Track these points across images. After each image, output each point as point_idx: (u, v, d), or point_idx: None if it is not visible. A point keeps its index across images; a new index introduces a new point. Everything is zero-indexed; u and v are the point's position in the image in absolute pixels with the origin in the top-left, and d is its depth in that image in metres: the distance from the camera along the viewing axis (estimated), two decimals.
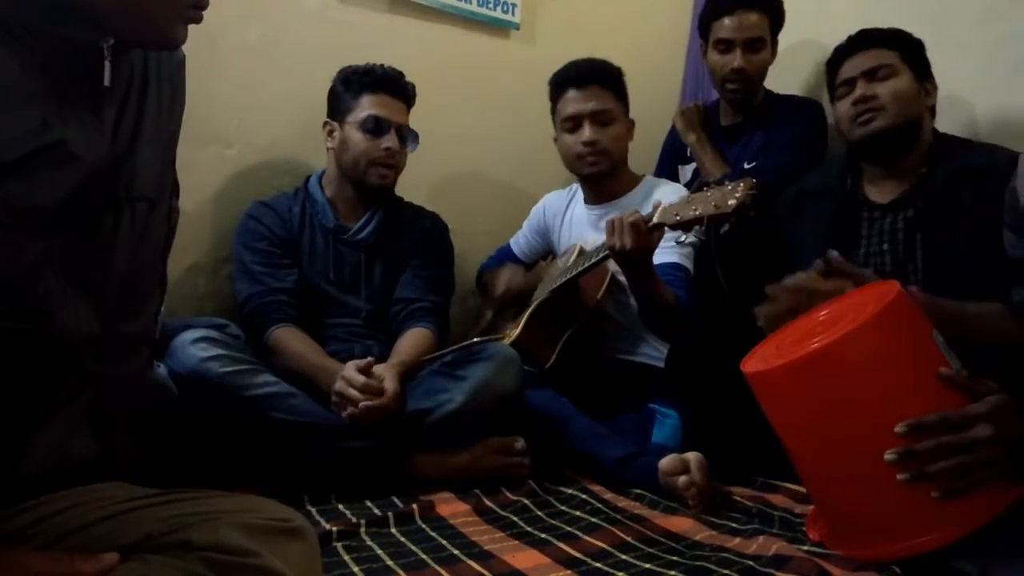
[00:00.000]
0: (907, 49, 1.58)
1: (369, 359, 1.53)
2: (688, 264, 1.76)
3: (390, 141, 1.70)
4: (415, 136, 1.77)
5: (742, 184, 1.34)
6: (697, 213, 1.38)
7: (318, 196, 1.77)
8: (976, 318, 1.11)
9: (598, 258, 1.62)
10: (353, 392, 1.46)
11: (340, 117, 1.74)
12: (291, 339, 1.60)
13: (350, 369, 1.49)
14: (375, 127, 1.69)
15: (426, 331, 1.72)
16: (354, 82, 1.72)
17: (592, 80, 1.82)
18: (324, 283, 1.73)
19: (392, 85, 1.73)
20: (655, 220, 1.46)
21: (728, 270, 1.83)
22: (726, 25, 1.98)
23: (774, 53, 2.05)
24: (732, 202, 1.33)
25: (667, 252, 1.71)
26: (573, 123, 1.82)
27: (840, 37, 1.65)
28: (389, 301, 1.78)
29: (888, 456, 0.97)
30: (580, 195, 2.00)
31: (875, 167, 1.62)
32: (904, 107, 1.54)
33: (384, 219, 1.80)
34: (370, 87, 1.71)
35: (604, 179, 1.87)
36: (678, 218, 1.42)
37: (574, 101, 1.82)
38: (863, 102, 1.55)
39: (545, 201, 2.12)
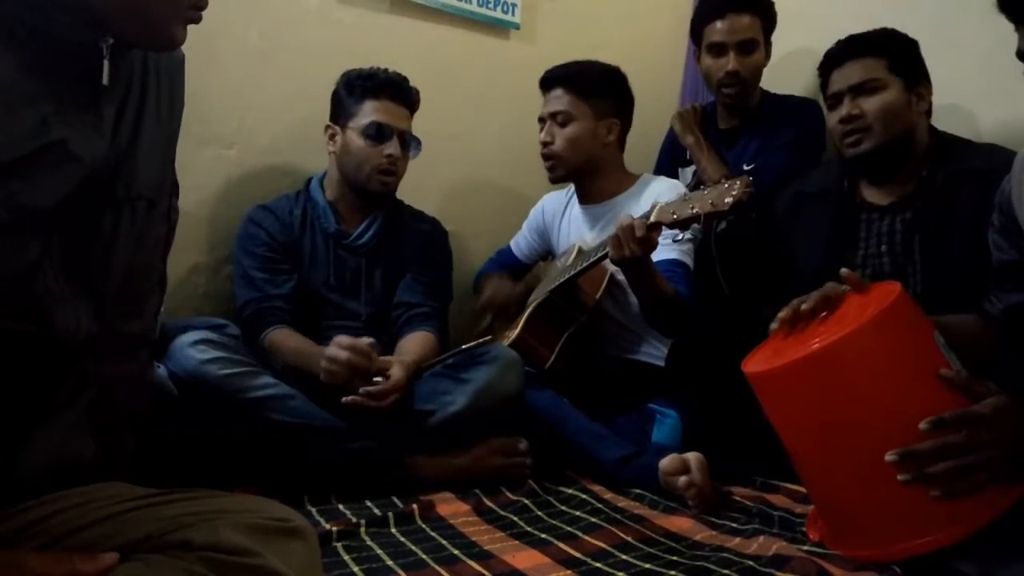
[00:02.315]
0: (897, 54, 1.56)
1: (372, 340, 1.53)
2: (688, 260, 1.77)
3: (392, 148, 1.69)
4: (417, 143, 1.76)
5: (739, 182, 1.35)
6: (694, 211, 1.39)
7: (319, 199, 1.77)
8: (948, 330, 1.12)
9: (596, 258, 1.62)
10: (342, 355, 1.46)
11: (342, 121, 1.73)
12: (286, 338, 1.61)
13: (336, 340, 1.50)
14: (377, 133, 1.68)
15: (428, 335, 1.72)
16: (357, 86, 1.71)
17: (553, 83, 1.87)
18: (324, 287, 1.73)
19: (395, 90, 1.72)
20: (652, 219, 1.47)
21: (728, 271, 1.84)
22: (718, 28, 1.98)
23: (768, 55, 2.05)
24: (729, 200, 1.34)
25: (666, 249, 1.72)
26: (540, 125, 1.89)
27: (841, 38, 1.65)
28: (389, 306, 1.78)
29: (889, 457, 0.97)
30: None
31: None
32: (892, 123, 1.52)
33: (384, 224, 1.80)
34: (373, 92, 1.70)
35: (586, 180, 1.90)
36: (675, 217, 1.43)
37: (544, 103, 1.89)
38: (849, 121, 1.54)
39: (544, 202, 2.12)
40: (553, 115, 1.85)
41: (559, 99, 1.85)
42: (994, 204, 1.23)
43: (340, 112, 1.74)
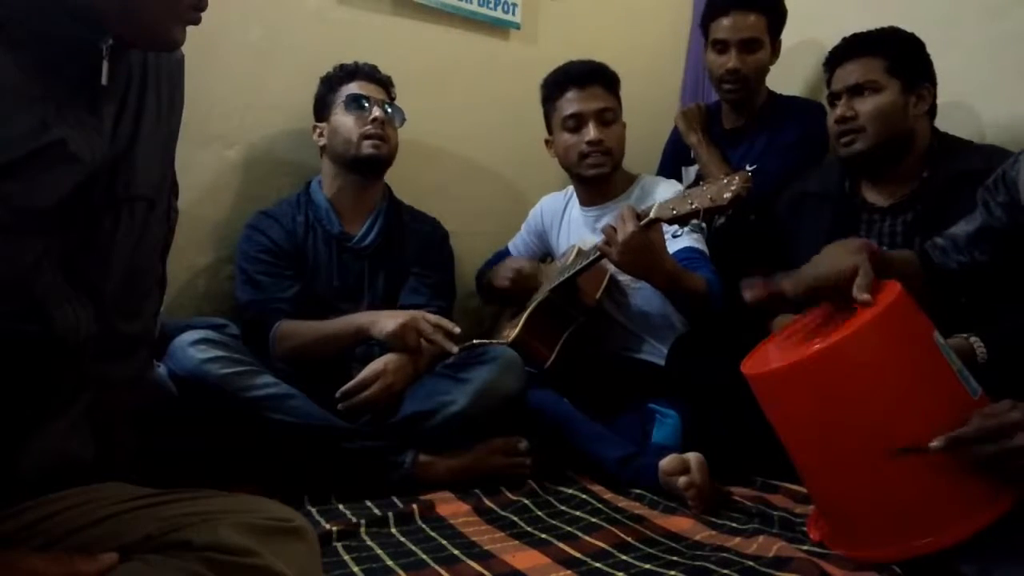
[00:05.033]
0: (898, 55, 1.55)
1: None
2: (702, 246, 1.77)
3: (375, 112, 1.74)
4: (401, 112, 1.81)
5: (737, 177, 1.36)
6: (693, 207, 1.40)
7: (320, 200, 1.77)
8: (891, 265, 1.13)
9: (594, 257, 1.63)
10: (427, 325, 1.56)
11: (326, 113, 1.78)
12: (299, 323, 1.63)
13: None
14: (358, 102, 1.74)
15: None
16: (332, 78, 1.79)
17: (594, 80, 1.84)
18: (327, 291, 1.73)
19: (367, 72, 1.80)
20: (652, 215, 1.48)
21: (728, 272, 1.83)
22: (723, 26, 1.99)
23: (775, 53, 2.04)
24: (728, 195, 1.34)
25: (680, 239, 1.72)
26: (576, 121, 1.83)
27: (844, 34, 1.64)
28: (391, 307, 1.78)
29: (935, 444, 0.96)
30: (576, 197, 2.00)
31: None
32: (886, 125, 1.53)
33: (385, 224, 1.80)
34: (347, 77, 1.78)
35: (601, 180, 1.87)
36: (675, 212, 1.44)
37: (576, 100, 1.83)
38: (843, 122, 1.55)
39: (542, 204, 2.12)
40: (599, 112, 1.82)
41: (603, 97, 1.83)
42: (1000, 176, 1.24)
43: (322, 107, 1.80)
